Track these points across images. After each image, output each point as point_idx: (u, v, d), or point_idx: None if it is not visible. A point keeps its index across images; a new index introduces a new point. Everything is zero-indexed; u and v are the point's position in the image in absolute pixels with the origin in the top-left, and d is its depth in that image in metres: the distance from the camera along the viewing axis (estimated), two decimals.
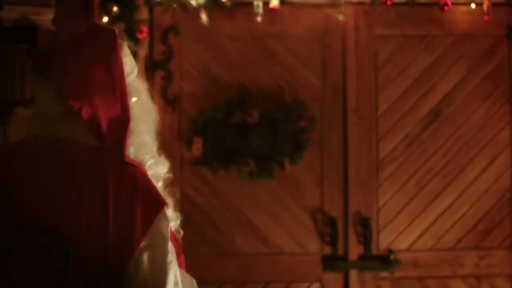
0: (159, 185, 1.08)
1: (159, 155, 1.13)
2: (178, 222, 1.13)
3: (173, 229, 1.07)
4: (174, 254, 0.99)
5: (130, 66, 1.12)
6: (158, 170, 1.09)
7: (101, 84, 1.01)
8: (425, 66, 2.99)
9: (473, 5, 2.83)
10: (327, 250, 2.86)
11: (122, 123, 1.02)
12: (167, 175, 1.13)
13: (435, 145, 2.97)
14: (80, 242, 0.93)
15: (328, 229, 2.86)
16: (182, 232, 1.15)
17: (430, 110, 2.97)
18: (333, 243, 2.84)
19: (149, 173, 1.06)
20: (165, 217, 1.01)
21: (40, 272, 0.94)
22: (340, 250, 2.84)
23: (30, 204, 0.96)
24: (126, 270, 0.94)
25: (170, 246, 0.98)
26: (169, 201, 1.09)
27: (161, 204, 1.00)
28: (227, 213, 2.89)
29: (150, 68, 2.90)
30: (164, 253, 0.96)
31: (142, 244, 0.94)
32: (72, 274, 0.92)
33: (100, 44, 1.06)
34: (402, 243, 2.89)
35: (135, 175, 1.00)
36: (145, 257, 0.95)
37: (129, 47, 2.79)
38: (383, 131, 2.95)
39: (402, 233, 2.91)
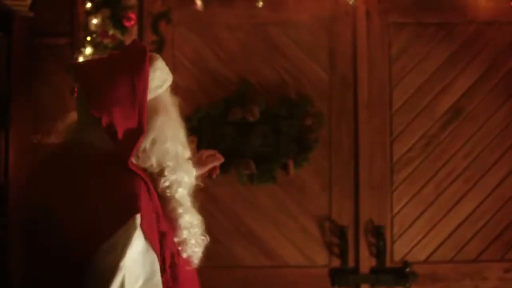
0: (180, 190, 1.23)
1: (187, 163, 1.27)
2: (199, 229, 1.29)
3: (190, 235, 1.25)
4: (134, 262, 1.07)
5: (161, 80, 1.27)
6: (180, 176, 1.22)
7: (123, 97, 1.15)
8: (444, 57, 2.69)
9: None
10: (336, 262, 2.61)
11: (135, 134, 1.16)
12: (193, 182, 1.28)
13: (455, 146, 2.68)
14: (67, 228, 1.09)
15: (337, 239, 2.60)
16: (207, 238, 1.31)
17: (450, 107, 2.67)
18: (342, 255, 2.58)
19: (172, 177, 1.21)
20: (134, 226, 1.08)
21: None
22: (351, 263, 2.59)
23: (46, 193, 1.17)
24: (86, 264, 1.05)
25: (133, 253, 1.06)
26: (192, 207, 1.27)
27: (133, 212, 1.08)
28: (225, 221, 2.61)
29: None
30: (119, 258, 1.05)
31: (106, 243, 1.05)
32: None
33: (130, 60, 1.20)
34: (419, 255, 2.62)
35: (127, 180, 1.12)
36: (103, 255, 1.05)
37: (115, 36, 2.55)
38: (397, 130, 2.66)
39: (419, 243, 2.64)
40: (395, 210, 2.63)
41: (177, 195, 1.24)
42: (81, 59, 2.51)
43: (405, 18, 2.69)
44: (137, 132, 1.16)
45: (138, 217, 1.09)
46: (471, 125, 2.66)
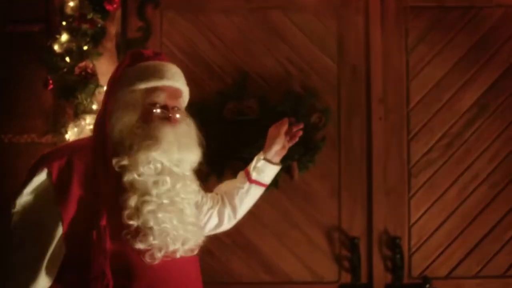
0: (132, 174, 1.35)
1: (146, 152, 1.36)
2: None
3: None
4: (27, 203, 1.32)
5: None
6: (134, 161, 1.35)
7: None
8: (468, 46, 2.42)
9: None
10: (346, 278, 2.35)
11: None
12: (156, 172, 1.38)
13: (480, 146, 2.40)
14: None
15: (348, 252, 2.35)
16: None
17: (474, 102, 2.41)
18: (353, 270, 2.33)
19: (123, 162, 1.35)
20: (39, 176, 1.33)
21: None
22: (363, 278, 2.33)
23: None
24: None
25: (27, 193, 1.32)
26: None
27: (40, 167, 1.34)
28: (221, 233, 2.27)
29: (122, 49, 2.31)
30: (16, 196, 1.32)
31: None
32: None
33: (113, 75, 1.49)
34: (441, 269, 2.36)
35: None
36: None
37: (95, 21, 2.24)
38: (416, 128, 2.40)
39: (440, 256, 2.37)
40: (413, 219, 2.37)
41: (128, 180, 1.33)
42: (56, 47, 2.19)
43: (424, 1, 2.41)
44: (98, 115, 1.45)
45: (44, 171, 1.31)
46: (498, 122, 2.39)
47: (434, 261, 2.35)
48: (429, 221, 2.36)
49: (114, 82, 1.42)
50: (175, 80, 1.45)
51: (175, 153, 1.36)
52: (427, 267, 2.35)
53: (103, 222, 1.26)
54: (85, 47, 2.18)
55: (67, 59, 2.16)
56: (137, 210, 1.30)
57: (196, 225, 1.41)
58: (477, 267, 2.35)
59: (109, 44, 2.28)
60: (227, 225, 1.78)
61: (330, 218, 2.35)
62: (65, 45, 2.20)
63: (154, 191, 1.32)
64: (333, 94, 2.38)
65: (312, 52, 2.39)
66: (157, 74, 1.41)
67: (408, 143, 2.38)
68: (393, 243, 2.30)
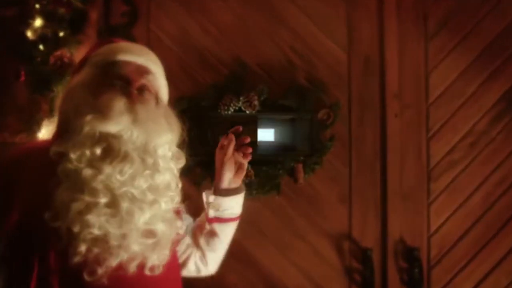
0: (67, 165, 1.09)
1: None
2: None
3: None
4: None
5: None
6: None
7: None
8: (495, 33, 2.16)
9: None
10: None
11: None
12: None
13: (509, 146, 2.14)
14: None
15: (359, 264, 2.11)
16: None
17: (502, 96, 2.15)
18: (365, 284, 2.08)
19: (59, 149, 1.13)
20: None
21: None
22: None
23: None
24: None
25: None
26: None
27: None
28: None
29: (105, 36, 2.04)
30: None
31: None
32: None
33: None
34: (465, 284, 2.12)
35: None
36: None
37: (72, 4, 1.99)
38: (436, 125, 2.15)
39: (464, 269, 2.13)
40: (433, 228, 2.13)
41: (62, 169, 1.07)
42: (29, 33, 1.94)
43: None
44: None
45: None
46: None
47: (457, 274, 2.12)
48: (451, 229, 2.12)
49: (76, 68, 1.25)
50: (141, 55, 1.23)
51: (128, 127, 1.09)
52: (449, 281, 2.11)
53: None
54: (62, 34, 1.93)
55: (41, 47, 1.91)
56: (65, 209, 1.03)
57: (154, 236, 1.10)
58: (505, 281, 2.11)
59: (90, 31, 2.03)
60: (204, 270, 1.49)
61: (339, 226, 2.12)
62: (39, 31, 1.95)
63: (88, 185, 1.04)
64: (343, 87, 2.14)
65: (318, 39, 2.14)
66: (120, 49, 1.21)
67: (427, 142, 2.14)
68: (410, 255, 2.07)
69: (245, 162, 1.32)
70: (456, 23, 2.15)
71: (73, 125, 1.08)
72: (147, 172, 1.10)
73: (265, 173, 2.05)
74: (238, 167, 1.33)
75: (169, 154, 1.18)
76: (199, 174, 2.07)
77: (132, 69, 1.17)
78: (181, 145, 1.27)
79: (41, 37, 1.95)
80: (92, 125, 1.06)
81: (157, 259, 1.10)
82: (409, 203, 2.10)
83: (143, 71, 1.20)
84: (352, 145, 2.12)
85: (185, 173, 2.02)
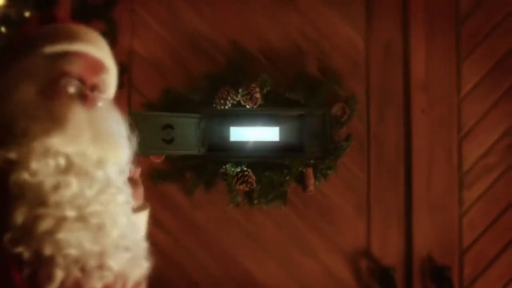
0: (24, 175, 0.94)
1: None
2: None
3: None
4: None
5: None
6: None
7: None
8: None
9: None
10: None
11: None
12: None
13: None
14: None
15: (379, 286, 1.83)
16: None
17: None
18: None
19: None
20: None
21: None
22: None
23: None
24: None
25: None
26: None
27: None
28: (210, 260, 1.85)
29: (82, 18, 1.74)
30: None
31: None
32: None
33: None
34: None
35: None
36: None
37: None
38: (468, 123, 1.88)
39: None
40: (466, 243, 1.87)
41: (16, 181, 0.92)
42: None
43: None
44: None
45: None
46: None
47: None
48: (487, 245, 1.87)
49: (12, 48, 1.03)
50: (96, 45, 1.03)
51: (88, 145, 0.96)
52: None
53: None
54: (27, 14, 1.65)
55: (3, 29, 1.65)
56: (28, 230, 0.90)
57: (130, 248, 0.99)
58: None
59: (62, 12, 1.74)
60: None
61: (356, 242, 1.87)
62: (1, 12, 1.69)
63: (52, 199, 0.92)
64: (360, 78, 1.88)
65: (332, 23, 1.86)
66: (71, 35, 1.01)
67: (459, 143, 1.89)
68: (439, 275, 1.82)
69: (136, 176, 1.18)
70: (492, 3, 1.85)
71: (22, 127, 0.95)
72: (108, 189, 0.98)
73: (268, 179, 1.77)
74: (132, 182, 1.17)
75: (122, 169, 1.06)
76: (190, 181, 1.77)
77: (87, 64, 1.00)
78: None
79: (4, 18, 1.68)
80: (47, 135, 0.94)
81: (138, 274, 0.99)
82: (438, 214, 1.84)
83: (99, 68, 1.03)
84: (371, 146, 1.85)
85: (174, 178, 1.74)
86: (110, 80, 1.07)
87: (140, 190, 1.18)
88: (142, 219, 1.19)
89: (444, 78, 1.83)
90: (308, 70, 1.82)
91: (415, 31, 1.82)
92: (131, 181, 1.12)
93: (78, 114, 0.96)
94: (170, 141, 1.51)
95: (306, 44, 1.82)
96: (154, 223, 1.80)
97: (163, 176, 1.75)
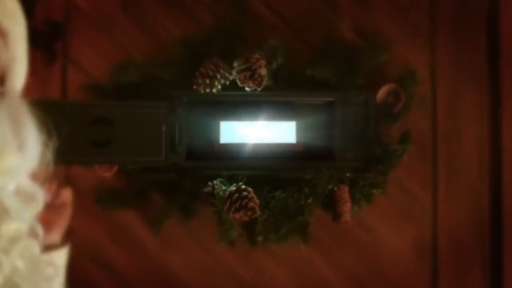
0: None
1: None
2: None
3: None
4: None
5: None
6: None
7: None
8: None
9: None
10: None
11: None
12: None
13: None
14: None
15: None
16: None
17: None
18: None
19: None
20: None
21: None
22: None
23: None
24: None
25: None
26: None
27: None
28: None
29: None
30: None
31: None
32: None
33: None
34: None
35: None
36: None
37: None
38: None
39: None
40: None
41: None
42: None
43: None
44: None
45: None
46: None
47: None
48: None
49: None
50: None
51: None
52: None
53: None
54: None
55: None
56: None
57: None
58: None
59: None
60: None
61: None
62: None
63: None
64: (422, 45, 1.20)
65: None
66: None
67: None
68: None
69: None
70: None
71: None
72: None
73: (280, 203, 1.12)
74: None
75: (19, 187, 0.68)
76: (160, 207, 1.14)
77: None
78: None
79: None
80: None
81: None
82: None
83: None
84: (438, 151, 1.18)
85: (133, 204, 1.14)
86: (12, 52, 0.69)
87: (64, 219, 0.88)
88: (59, 260, 0.88)
89: None
90: (342, 34, 1.20)
91: None
92: (52, 206, 0.84)
93: None
94: (104, 144, 0.91)
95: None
96: (101, 267, 1.19)
97: (116, 198, 1.13)
